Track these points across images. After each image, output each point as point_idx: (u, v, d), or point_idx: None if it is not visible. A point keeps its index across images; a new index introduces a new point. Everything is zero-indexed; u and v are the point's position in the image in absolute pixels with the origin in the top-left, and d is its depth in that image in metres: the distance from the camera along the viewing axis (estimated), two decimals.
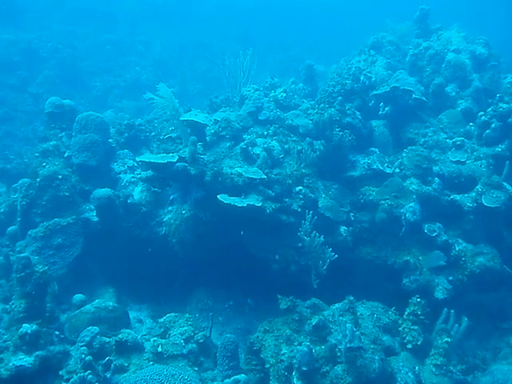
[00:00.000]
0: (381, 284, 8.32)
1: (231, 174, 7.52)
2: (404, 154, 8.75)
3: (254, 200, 7.22)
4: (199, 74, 23.87)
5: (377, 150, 8.98)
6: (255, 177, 7.42)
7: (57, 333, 7.21)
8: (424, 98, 9.41)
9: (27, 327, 6.62)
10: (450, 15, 14.08)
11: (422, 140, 9.15)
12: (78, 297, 7.98)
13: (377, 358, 6.67)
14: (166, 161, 7.16)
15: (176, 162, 7.27)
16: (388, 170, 8.58)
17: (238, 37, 27.00)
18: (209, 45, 25.96)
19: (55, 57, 21.38)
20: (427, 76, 10.37)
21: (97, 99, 20.46)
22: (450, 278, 7.98)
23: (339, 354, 6.59)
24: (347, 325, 6.55)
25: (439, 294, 7.75)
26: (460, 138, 8.91)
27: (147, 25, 27.53)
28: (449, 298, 7.75)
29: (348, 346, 6.42)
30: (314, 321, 6.99)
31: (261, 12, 30.32)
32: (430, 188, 8.34)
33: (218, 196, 7.18)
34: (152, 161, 7.19)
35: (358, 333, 6.64)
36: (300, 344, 6.73)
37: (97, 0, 27.43)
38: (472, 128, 9.15)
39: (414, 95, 9.31)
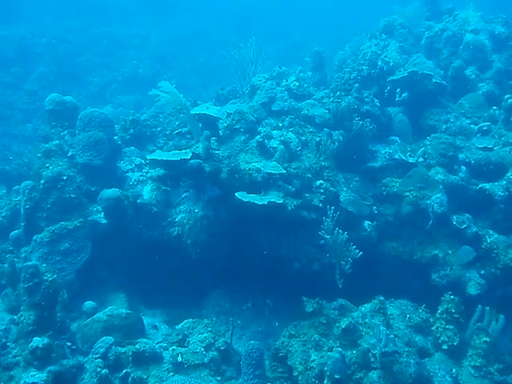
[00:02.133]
0: (408, 280, 7.91)
1: (249, 169, 7.06)
2: (427, 142, 8.30)
3: (274, 197, 6.77)
4: (198, 65, 23.34)
5: (397, 138, 8.53)
6: (275, 172, 6.97)
7: (68, 344, 6.82)
8: (444, 82, 8.94)
9: (38, 341, 6.22)
10: None
11: (444, 126, 8.69)
12: (89, 304, 7.61)
13: (412, 361, 6.28)
14: (179, 158, 6.70)
15: (190, 159, 6.80)
16: (411, 160, 8.13)
17: (236, 27, 26.46)
18: (206, 35, 25.40)
19: (50, 52, 20.79)
20: (444, 59, 9.91)
21: (94, 95, 19.92)
22: (482, 271, 7.56)
23: (373, 360, 6.16)
24: (381, 328, 6.12)
25: (472, 290, 7.33)
26: (486, 123, 8.44)
27: (143, 17, 26.99)
28: (482, 294, 7.32)
29: (383, 350, 6.00)
30: (344, 324, 6.56)
31: (258, 1, 29.72)
32: (457, 177, 7.91)
33: (236, 194, 6.73)
34: (164, 158, 6.72)
35: (391, 336, 6.22)
36: (330, 349, 6.32)
37: None
38: (497, 112, 8.70)
39: (433, 79, 8.84)
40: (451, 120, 8.73)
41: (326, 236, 6.97)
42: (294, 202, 7.04)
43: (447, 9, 11.63)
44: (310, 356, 6.39)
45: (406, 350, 6.38)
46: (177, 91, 7.54)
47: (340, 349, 6.22)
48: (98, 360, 6.43)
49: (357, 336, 6.54)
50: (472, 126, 8.65)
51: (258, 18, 27.38)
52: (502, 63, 9.54)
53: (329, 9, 29.32)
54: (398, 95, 9.20)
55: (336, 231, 6.97)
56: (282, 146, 7.42)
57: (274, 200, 6.69)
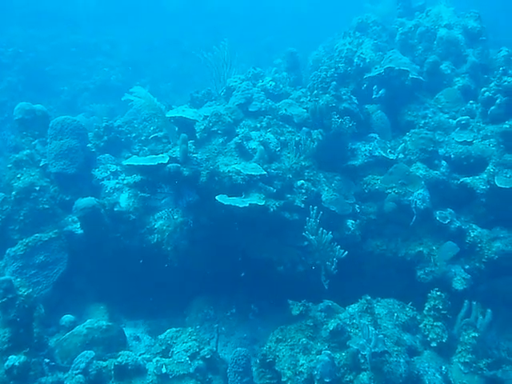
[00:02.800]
0: (393, 278, 7.83)
1: (228, 172, 6.87)
2: (407, 138, 8.24)
3: (256, 199, 6.60)
4: (170, 71, 23.07)
5: (376, 135, 8.44)
6: (255, 173, 6.80)
7: (47, 360, 6.56)
8: (421, 78, 8.90)
9: (14, 359, 5.93)
10: None
11: (423, 122, 8.63)
12: (67, 318, 7.34)
13: (402, 360, 6.16)
14: (156, 163, 6.48)
15: (167, 163, 6.59)
16: (391, 156, 8.05)
17: (207, 32, 26.27)
18: (178, 41, 25.18)
19: (18, 62, 20.28)
20: (419, 55, 9.87)
21: (65, 104, 19.51)
22: (467, 266, 7.51)
23: (363, 361, 6.02)
24: (370, 328, 5.99)
25: (458, 285, 7.25)
26: (465, 117, 8.40)
27: (112, 24, 26.59)
28: (468, 289, 7.24)
29: (373, 351, 5.86)
30: (331, 326, 6.40)
31: (228, 5, 29.58)
32: (438, 172, 7.86)
33: (216, 197, 6.54)
34: (141, 164, 6.50)
35: (380, 336, 6.08)
36: (319, 352, 6.17)
37: (55, 1, 26.32)
38: (474, 106, 8.67)
39: (410, 75, 8.78)
40: (429, 115, 8.68)
41: (311, 237, 6.82)
42: (276, 204, 6.88)
43: (418, 6, 11.65)
44: (299, 360, 6.23)
45: (396, 349, 6.26)
46: (150, 95, 7.33)
47: (329, 351, 6.08)
48: (79, 376, 6.18)
49: (345, 337, 6.39)
50: (450, 120, 8.61)
51: (228, 22, 27.22)
52: (476, 57, 9.54)
53: (299, 11, 29.29)
54: (375, 92, 9.12)
55: (320, 231, 6.83)
56: (261, 147, 7.27)
57: (255, 202, 6.52)
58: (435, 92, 9.29)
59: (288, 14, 28.88)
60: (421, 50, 9.89)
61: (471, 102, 8.82)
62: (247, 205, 6.45)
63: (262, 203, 6.61)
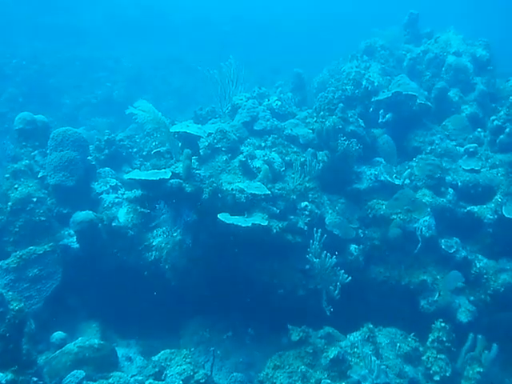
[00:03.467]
0: (395, 307, 7.59)
1: (232, 190, 6.70)
2: (414, 164, 8.10)
3: (259, 219, 6.42)
4: (173, 89, 23.06)
5: (382, 159, 8.29)
6: (259, 193, 6.63)
7: (35, 379, 6.20)
8: (429, 103, 8.78)
9: (1, 376, 5.64)
10: (436, 19, 13.63)
11: (429, 148, 8.50)
12: (58, 335, 7.09)
13: None
14: (158, 178, 6.30)
15: (169, 179, 6.41)
16: (397, 182, 7.89)
17: (213, 51, 26.33)
18: (182, 59, 25.20)
19: (20, 74, 20.32)
20: (427, 81, 9.78)
21: (66, 117, 19.35)
22: (472, 298, 7.30)
23: None
24: (372, 358, 5.77)
25: (462, 317, 7.04)
26: (472, 145, 8.27)
27: (117, 40, 26.65)
28: (473, 321, 7.03)
29: (375, 382, 5.64)
30: (332, 354, 6.20)
31: (235, 26, 29.70)
32: (445, 200, 7.68)
33: (218, 215, 6.35)
34: (143, 178, 6.33)
35: (383, 366, 5.87)
36: (318, 381, 5.97)
37: (62, 15, 26.41)
38: (482, 134, 8.55)
39: (418, 100, 8.67)
40: (436, 142, 8.55)
41: (314, 259, 6.61)
42: (280, 225, 6.70)
43: (426, 32, 11.62)
44: None
45: (398, 381, 6.07)
46: (155, 109, 7.19)
47: (329, 381, 5.86)
48: None
49: (346, 366, 6.19)
50: (458, 147, 8.48)
51: (232, 43, 27.30)
52: (484, 86, 9.46)
53: (304, 34, 29.43)
54: (381, 116, 9.01)
55: (324, 255, 6.63)
56: (266, 166, 7.11)
57: (258, 222, 6.33)
58: (442, 119, 9.19)
59: (294, 37, 29.00)
60: (429, 75, 9.81)
61: (479, 130, 8.72)
62: (250, 224, 6.26)
63: (265, 223, 6.42)
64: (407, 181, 7.92)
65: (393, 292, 7.55)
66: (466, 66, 9.59)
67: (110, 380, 6.19)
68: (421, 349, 6.72)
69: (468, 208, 7.68)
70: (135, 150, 9.57)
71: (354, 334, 6.58)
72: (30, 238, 7.39)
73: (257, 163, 7.43)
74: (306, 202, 7.29)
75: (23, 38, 24.44)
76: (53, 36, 24.89)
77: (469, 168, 8.03)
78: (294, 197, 7.23)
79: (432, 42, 10.43)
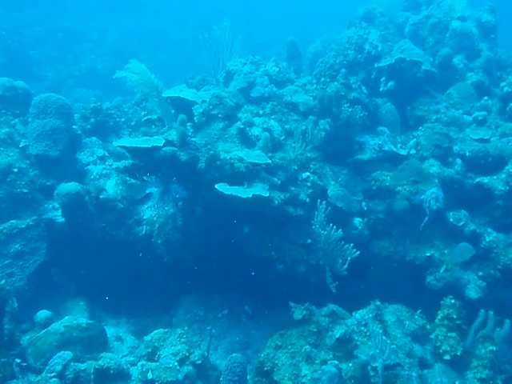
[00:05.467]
0: (400, 283, 7.23)
1: (230, 158, 6.21)
2: (420, 133, 7.64)
3: (260, 189, 5.96)
4: (159, 63, 22.32)
5: (386, 129, 7.84)
6: (259, 162, 6.16)
7: (18, 361, 5.88)
8: (434, 70, 8.32)
9: None
10: None
11: (434, 117, 8.04)
12: (43, 314, 6.73)
13: (414, 374, 5.61)
14: (150, 145, 5.81)
15: (163, 147, 5.92)
16: (402, 152, 7.46)
17: (197, 27, 25.62)
18: (167, 34, 24.52)
19: (0, 44, 19.49)
20: (430, 47, 9.27)
21: (49, 90, 18.62)
22: (480, 273, 6.90)
23: (373, 374, 5.42)
24: (383, 337, 5.40)
25: (472, 293, 6.66)
26: (482, 113, 7.81)
27: (101, 12, 25.88)
28: (483, 297, 6.68)
29: (385, 363, 5.27)
30: (338, 333, 5.82)
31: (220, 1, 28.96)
32: (453, 170, 7.26)
33: (216, 186, 5.88)
34: (133, 145, 5.82)
35: (393, 346, 5.50)
36: (324, 362, 5.57)
37: None
38: (489, 102, 8.12)
39: (423, 67, 8.20)
40: (442, 110, 8.11)
41: (321, 231, 6.18)
42: (281, 196, 6.24)
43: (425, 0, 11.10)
44: (301, 370, 5.62)
45: (407, 361, 5.71)
46: (148, 70, 6.68)
47: (336, 361, 5.48)
48: (54, 380, 5.53)
49: (352, 346, 5.81)
50: (465, 116, 8.04)
51: (219, 17, 26.56)
52: (491, 52, 9.02)
53: (295, 8, 28.80)
54: (382, 84, 8.53)
55: (329, 228, 6.22)
56: (266, 133, 6.64)
57: (259, 193, 5.88)
58: (446, 87, 8.72)
59: (281, 12, 28.39)
60: (432, 42, 9.31)
61: (486, 98, 8.27)
62: (250, 195, 5.81)
63: (267, 195, 5.97)
64: (413, 151, 7.50)
65: (397, 267, 7.17)
66: (471, 31, 9.11)
67: (100, 361, 5.76)
68: (428, 327, 6.36)
69: (477, 179, 7.26)
70: (123, 119, 9.07)
71: (360, 311, 6.19)
72: (12, 212, 6.97)
73: (255, 131, 6.94)
74: (308, 173, 6.85)
75: (1, 8, 23.52)
76: (33, 7, 23.97)
77: (477, 137, 7.58)
78: (295, 167, 6.78)
79: (435, 7, 9.90)
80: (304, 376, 5.53)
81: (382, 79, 8.55)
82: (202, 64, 12.13)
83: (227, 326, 7.36)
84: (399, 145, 7.53)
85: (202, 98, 7.18)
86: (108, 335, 6.75)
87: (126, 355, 6.63)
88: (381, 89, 8.56)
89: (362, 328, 5.96)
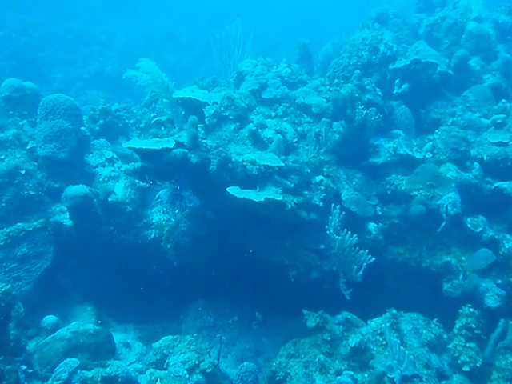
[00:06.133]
0: (415, 290, 7.02)
1: (242, 161, 6.03)
2: (436, 136, 7.45)
3: (273, 193, 5.78)
4: (168, 65, 22.29)
5: (401, 132, 7.65)
6: (272, 164, 5.98)
7: (24, 367, 5.70)
8: (450, 72, 8.13)
9: None
10: None
11: (451, 120, 7.86)
12: (50, 319, 6.54)
13: None
14: (160, 147, 5.64)
15: (173, 148, 5.75)
16: (418, 155, 7.27)
17: (206, 29, 25.57)
18: (176, 36, 24.45)
19: (9, 46, 19.49)
20: (445, 49, 9.10)
21: (57, 92, 18.61)
22: (499, 281, 6.68)
23: None
24: (400, 347, 5.20)
25: (491, 302, 6.45)
26: (500, 115, 7.60)
27: (110, 14, 25.90)
28: (502, 306, 6.46)
29: (403, 374, 5.08)
30: (353, 342, 5.64)
31: (228, 3, 28.86)
32: (470, 175, 7.06)
33: (227, 189, 5.71)
34: (143, 147, 5.66)
35: (411, 356, 5.30)
36: (339, 372, 5.37)
37: None
38: (508, 105, 7.91)
39: (439, 68, 8.01)
40: (458, 113, 7.92)
41: (335, 236, 5.99)
42: (295, 200, 6.06)
43: (439, 1, 10.90)
44: (315, 380, 5.43)
45: (426, 372, 5.50)
46: (158, 69, 6.52)
47: (351, 372, 5.29)
48: None
49: (367, 356, 5.62)
50: (482, 119, 7.83)
51: (228, 20, 26.45)
52: (508, 54, 8.81)
53: (303, 10, 28.65)
54: (396, 87, 8.36)
55: (344, 233, 6.03)
56: (279, 135, 6.45)
57: (272, 197, 5.69)
58: (462, 89, 8.53)
59: (290, 14, 28.24)
60: (447, 43, 9.13)
61: (503, 100, 8.07)
62: (263, 199, 5.62)
63: (280, 198, 5.79)
64: (429, 154, 7.30)
65: (413, 274, 6.98)
66: (488, 32, 8.90)
67: (108, 369, 5.61)
68: (445, 336, 6.16)
69: (496, 184, 7.06)
70: (132, 121, 8.94)
71: (376, 319, 6.00)
72: (18, 214, 6.81)
73: (268, 133, 6.76)
74: (322, 176, 6.66)
75: (10, 11, 23.50)
76: (41, 10, 23.97)
77: (496, 141, 7.38)
78: (309, 170, 6.59)
79: (450, 8, 9.70)
80: None
81: (396, 81, 8.39)
82: (211, 66, 12.02)
83: (237, 333, 7.18)
84: (414, 148, 7.34)
85: (213, 100, 7.01)
86: (115, 341, 6.57)
87: (133, 362, 6.45)
88: (395, 91, 8.39)
89: (378, 337, 5.78)
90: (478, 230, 6.78)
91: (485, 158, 7.25)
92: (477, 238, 6.82)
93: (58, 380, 5.48)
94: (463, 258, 6.77)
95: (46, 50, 20.86)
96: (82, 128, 7.81)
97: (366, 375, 5.40)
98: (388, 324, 5.70)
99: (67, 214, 7.00)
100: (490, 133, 7.54)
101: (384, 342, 5.68)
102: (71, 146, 7.41)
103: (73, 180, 7.22)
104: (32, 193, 6.88)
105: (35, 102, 8.00)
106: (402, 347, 5.25)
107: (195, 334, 6.86)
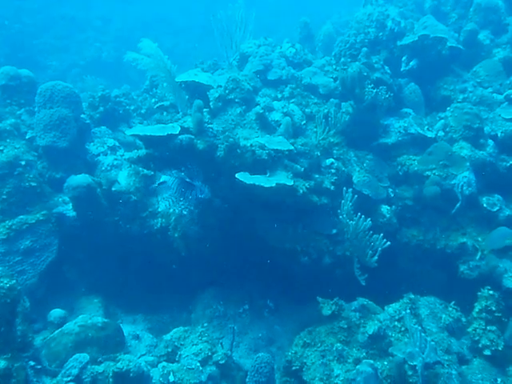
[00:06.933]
0: (430, 273, 6.83)
1: (251, 146, 5.80)
2: (448, 114, 7.20)
3: (283, 178, 5.57)
4: (165, 50, 21.77)
5: (411, 110, 7.42)
6: (282, 148, 5.76)
7: (32, 363, 5.51)
8: (460, 46, 7.87)
9: None
10: None
11: (461, 97, 7.62)
12: (57, 312, 6.45)
13: (454, 372, 5.23)
14: (165, 133, 5.42)
15: (178, 134, 5.53)
16: (430, 134, 7.05)
17: (202, 12, 25.19)
18: (172, 20, 24.08)
19: (2, 34, 19.16)
20: (453, 23, 8.81)
21: (53, 80, 18.32)
22: None
23: (410, 373, 5.06)
24: (422, 333, 5.03)
25: (509, 283, 6.24)
26: None
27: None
28: None
29: (425, 361, 4.91)
30: (371, 329, 5.46)
31: None
32: (485, 153, 6.84)
33: (236, 175, 5.49)
34: (148, 134, 5.44)
35: (432, 343, 5.13)
36: (357, 361, 5.20)
37: None
38: None
39: (448, 43, 7.75)
40: (469, 89, 7.67)
41: (348, 221, 5.79)
42: (306, 185, 5.84)
43: None
44: (333, 370, 5.27)
45: (446, 358, 5.33)
46: (161, 52, 6.28)
47: (371, 361, 5.12)
48: None
49: (386, 343, 5.44)
50: (494, 95, 7.59)
51: (223, 5, 25.99)
52: None
53: None
54: (404, 64, 8.10)
55: (357, 217, 5.82)
56: (287, 118, 6.23)
57: (283, 182, 5.48)
58: (471, 65, 8.25)
59: None
60: (455, 17, 8.83)
61: None
62: (274, 185, 5.41)
63: (291, 183, 5.57)
64: (441, 133, 7.08)
65: (427, 257, 6.79)
66: (497, 4, 8.59)
67: (119, 364, 5.43)
68: (463, 319, 5.99)
69: (511, 161, 6.85)
70: (133, 107, 8.69)
71: (393, 305, 5.82)
72: (20, 206, 6.64)
73: (275, 116, 6.53)
74: (332, 159, 6.44)
75: None
76: None
77: (510, 117, 7.15)
78: (318, 153, 6.37)
79: None
80: (337, 376, 5.19)
81: (404, 58, 8.13)
82: (210, 50, 11.69)
83: (249, 322, 7.01)
84: (426, 127, 7.12)
85: (217, 83, 6.76)
86: (125, 333, 6.41)
87: (144, 354, 6.31)
88: (402, 68, 8.13)
89: (396, 323, 5.60)
90: (495, 210, 6.59)
91: (499, 134, 7.03)
92: (493, 218, 6.63)
93: (68, 376, 5.33)
94: (479, 239, 6.57)
95: (40, 36, 20.47)
96: (81, 116, 7.58)
97: (385, 363, 5.24)
98: (408, 310, 5.51)
99: (70, 204, 6.82)
100: (504, 108, 7.30)
101: (403, 329, 5.51)
102: (72, 134, 7.19)
103: (74, 170, 7.01)
104: (33, 184, 6.70)
105: (32, 90, 7.78)
106: (423, 334, 5.07)
107: (206, 324, 6.71)
